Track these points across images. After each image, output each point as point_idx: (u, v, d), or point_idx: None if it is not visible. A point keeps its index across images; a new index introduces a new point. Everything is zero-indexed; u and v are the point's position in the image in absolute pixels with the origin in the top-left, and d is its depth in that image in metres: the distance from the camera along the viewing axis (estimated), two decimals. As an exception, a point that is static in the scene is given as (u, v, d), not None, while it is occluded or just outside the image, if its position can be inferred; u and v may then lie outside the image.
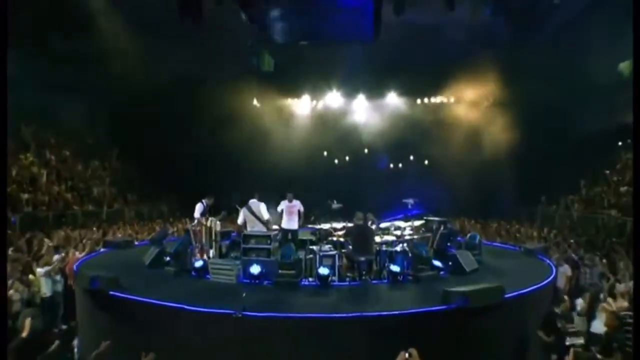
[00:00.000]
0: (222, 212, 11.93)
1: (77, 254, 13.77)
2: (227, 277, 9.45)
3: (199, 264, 10.09)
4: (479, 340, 7.80)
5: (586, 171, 24.66)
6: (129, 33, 21.48)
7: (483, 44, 22.84)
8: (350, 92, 30.00)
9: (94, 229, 19.46)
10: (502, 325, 8.01)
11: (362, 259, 9.95)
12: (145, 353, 6.24)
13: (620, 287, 10.26)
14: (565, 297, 10.60)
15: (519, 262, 11.68)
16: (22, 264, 12.16)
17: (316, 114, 30.79)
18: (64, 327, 12.29)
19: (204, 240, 11.20)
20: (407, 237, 11.09)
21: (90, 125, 30.34)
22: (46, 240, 14.89)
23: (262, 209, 11.45)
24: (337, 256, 10.04)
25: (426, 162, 30.35)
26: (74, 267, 11.11)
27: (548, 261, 11.56)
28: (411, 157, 31.16)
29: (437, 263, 10.16)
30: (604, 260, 12.67)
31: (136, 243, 14.99)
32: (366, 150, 30.95)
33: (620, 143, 24.21)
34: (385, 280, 9.86)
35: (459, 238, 13.08)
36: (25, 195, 20.42)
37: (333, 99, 30.37)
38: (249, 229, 11.13)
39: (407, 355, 5.39)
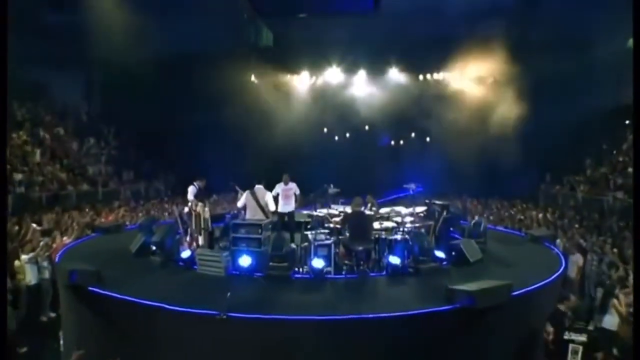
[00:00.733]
0: (212, 196, 11.34)
1: (65, 239, 13.38)
2: (215, 269, 8.89)
3: (186, 254, 9.55)
4: (482, 341, 7.28)
5: (591, 151, 24.05)
6: (124, 7, 20.87)
7: (488, 17, 22.12)
8: (350, 68, 29.11)
9: (87, 210, 19.03)
10: (508, 325, 7.49)
11: (360, 248, 9.45)
12: (77, 348, 5.71)
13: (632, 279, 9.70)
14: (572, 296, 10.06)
15: (525, 250, 11.12)
16: (8, 251, 11.67)
17: (316, 90, 29.99)
18: (53, 314, 11.95)
19: (194, 226, 10.65)
20: (407, 225, 10.51)
21: (85, 102, 29.96)
22: (33, 225, 14.36)
23: (269, 198, 10.66)
24: (332, 245, 9.51)
25: (428, 139, 29.72)
26: (57, 256, 10.58)
27: (556, 250, 11.04)
28: (412, 134, 30.58)
29: (439, 253, 9.57)
30: (615, 250, 12.08)
31: (128, 225, 14.62)
32: (367, 127, 30.30)
33: (627, 122, 23.50)
34: (384, 273, 9.30)
35: (462, 222, 12.60)
36: (19, 176, 19.92)
37: (333, 74, 29.51)
38: (248, 216, 10.47)
39: None
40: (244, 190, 10.94)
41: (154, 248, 10.11)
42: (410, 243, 9.56)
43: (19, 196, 18.99)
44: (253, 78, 29.28)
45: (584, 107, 24.41)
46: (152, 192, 26.47)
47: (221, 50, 25.33)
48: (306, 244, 9.95)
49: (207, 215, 10.62)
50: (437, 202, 11.74)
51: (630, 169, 20.25)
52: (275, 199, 11.39)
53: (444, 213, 11.14)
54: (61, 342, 9.67)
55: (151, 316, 7.16)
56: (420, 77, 29.14)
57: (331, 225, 10.71)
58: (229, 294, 6.78)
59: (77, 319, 8.56)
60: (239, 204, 10.92)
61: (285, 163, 18.96)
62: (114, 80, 27.51)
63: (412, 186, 11.40)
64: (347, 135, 31.31)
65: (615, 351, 7.78)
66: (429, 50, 25.70)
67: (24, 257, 11.74)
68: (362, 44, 25.28)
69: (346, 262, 9.62)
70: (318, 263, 8.88)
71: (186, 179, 11.64)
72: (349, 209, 10.87)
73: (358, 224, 9.77)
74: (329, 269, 9.22)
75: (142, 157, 28.02)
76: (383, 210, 11.57)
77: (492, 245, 11.09)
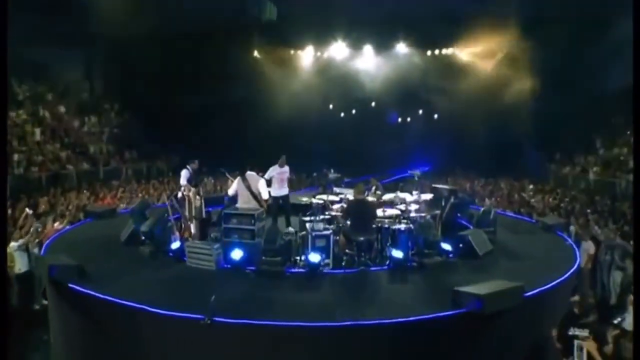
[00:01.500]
0: (204, 180, 10.78)
1: (56, 225, 12.90)
2: (205, 262, 8.35)
3: (175, 245, 9.03)
4: (492, 348, 6.74)
5: (604, 130, 23.25)
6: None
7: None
8: (356, 43, 28.19)
9: (85, 191, 18.54)
10: (519, 329, 6.94)
11: (361, 238, 8.94)
12: None
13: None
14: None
15: (537, 240, 10.50)
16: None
17: (321, 66, 29.10)
18: (45, 302, 11.54)
19: (186, 213, 10.12)
20: (412, 214, 9.92)
21: (86, 79, 29.41)
22: (27, 209, 13.89)
23: (261, 186, 9.96)
24: (331, 236, 8.95)
25: (435, 116, 29.14)
26: (44, 245, 10.13)
27: (569, 241, 10.45)
28: (420, 111, 29.86)
29: (445, 246, 8.99)
30: (631, 242, 11.41)
31: (125, 207, 14.29)
32: (373, 104, 29.68)
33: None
34: (386, 267, 8.74)
35: (471, 206, 12.02)
36: (18, 156, 19.52)
37: (338, 50, 28.59)
38: (240, 205, 9.81)
39: None
40: (234, 176, 10.39)
41: (143, 238, 9.59)
42: (415, 234, 9.01)
43: (17, 177, 18.57)
44: (256, 53, 28.59)
45: (598, 83, 23.60)
46: (154, 172, 25.96)
47: (224, 25, 24.72)
48: (304, 232, 9.40)
49: (199, 202, 10.07)
50: (445, 186, 11.22)
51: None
52: (269, 182, 10.84)
53: (452, 198, 10.62)
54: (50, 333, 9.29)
55: (132, 317, 6.66)
56: (429, 52, 28.22)
57: (332, 213, 10.21)
58: (213, 297, 6.23)
59: (60, 314, 8.11)
60: (230, 191, 10.28)
61: (289, 141, 18.45)
62: (116, 58, 27.07)
63: (417, 172, 10.83)
64: (353, 111, 30.75)
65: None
66: (438, 24, 24.72)
67: (13, 244, 11.27)
68: (369, 18, 24.41)
69: (347, 251, 9.17)
70: (315, 257, 8.33)
71: (189, 157, 11.13)
72: (350, 195, 10.32)
73: (359, 213, 9.25)
74: (327, 261, 8.70)
75: (145, 135, 27.45)
76: (387, 197, 10.97)
77: (502, 235, 10.53)
